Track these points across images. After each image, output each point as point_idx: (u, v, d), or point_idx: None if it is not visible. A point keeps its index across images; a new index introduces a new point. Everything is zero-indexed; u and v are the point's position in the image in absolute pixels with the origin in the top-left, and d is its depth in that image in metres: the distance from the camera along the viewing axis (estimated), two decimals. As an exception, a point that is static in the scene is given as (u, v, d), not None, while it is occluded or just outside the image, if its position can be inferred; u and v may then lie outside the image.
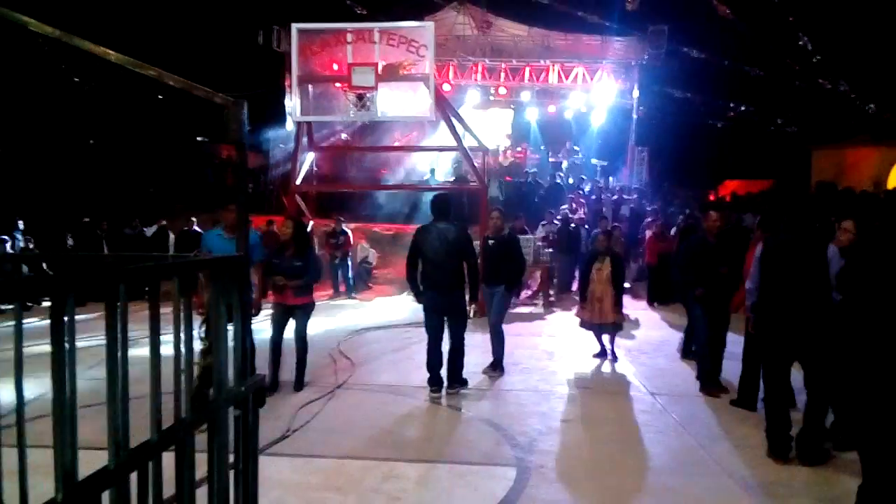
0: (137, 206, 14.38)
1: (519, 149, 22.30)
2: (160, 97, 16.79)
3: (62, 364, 1.54)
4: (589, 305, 7.37)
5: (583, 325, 7.63)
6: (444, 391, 6.11)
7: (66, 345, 1.58)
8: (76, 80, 17.21)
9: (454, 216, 6.33)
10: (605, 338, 7.56)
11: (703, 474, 4.38)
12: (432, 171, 18.56)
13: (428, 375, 6.13)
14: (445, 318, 6.15)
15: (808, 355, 4.55)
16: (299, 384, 6.20)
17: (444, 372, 6.18)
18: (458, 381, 6.22)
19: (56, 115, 17.66)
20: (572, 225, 12.97)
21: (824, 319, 4.38)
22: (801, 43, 16.99)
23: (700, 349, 6.45)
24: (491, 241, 6.90)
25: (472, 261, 6.23)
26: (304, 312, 6.20)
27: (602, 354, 7.57)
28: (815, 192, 15.98)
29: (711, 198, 19.05)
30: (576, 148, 21.84)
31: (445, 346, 6.20)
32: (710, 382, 6.21)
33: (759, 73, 18.43)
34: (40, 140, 17.26)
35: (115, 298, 1.80)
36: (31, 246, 12.13)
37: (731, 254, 6.28)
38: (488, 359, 6.93)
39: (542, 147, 22.51)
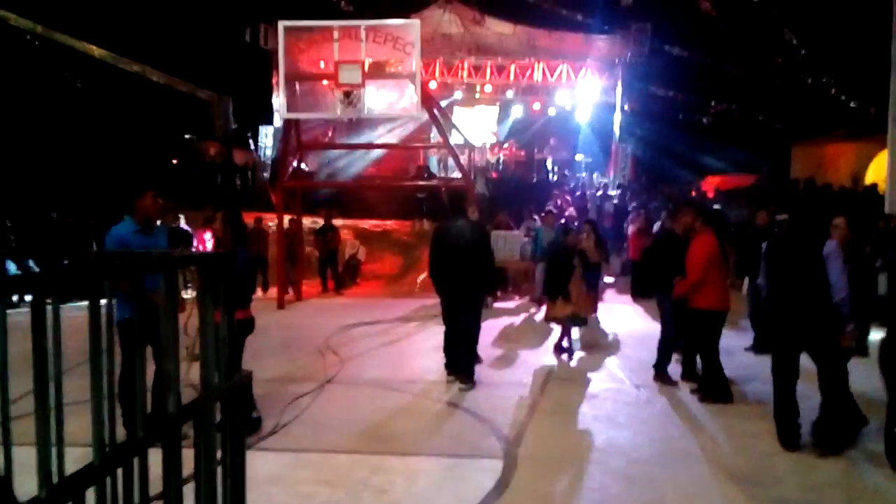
0: (124, 204, 14.25)
1: (505, 146, 22.38)
2: (146, 94, 16.65)
3: (44, 360, 1.55)
4: (577, 300, 7.34)
5: (560, 321, 7.48)
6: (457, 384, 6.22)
7: (50, 341, 1.58)
8: (67, 75, 17.03)
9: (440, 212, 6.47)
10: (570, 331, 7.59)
11: (687, 464, 4.44)
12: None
13: (444, 361, 6.44)
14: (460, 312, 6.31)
15: (817, 348, 4.57)
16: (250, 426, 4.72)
17: None
18: (468, 376, 6.28)
19: (43, 112, 17.47)
20: (560, 222, 12.99)
21: (827, 313, 4.44)
22: (787, 38, 17.13)
23: (664, 340, 6.54)
24: None
25: (489, 259, 6.39)
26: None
27: (569, 349, 7.52)
28: (805, 191, 16.09)
29: (692, 194, 19.18)
30: (556, 144, 21.99)
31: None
32: (664, 372, 6.42)
33: (740, 71, 18.58)
34: (27, 137, 17.08)
35: (100, 294, 1.80)
36: (13, 245, 12.01)
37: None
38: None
39: (528, 144, 22.62)
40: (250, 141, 19.13)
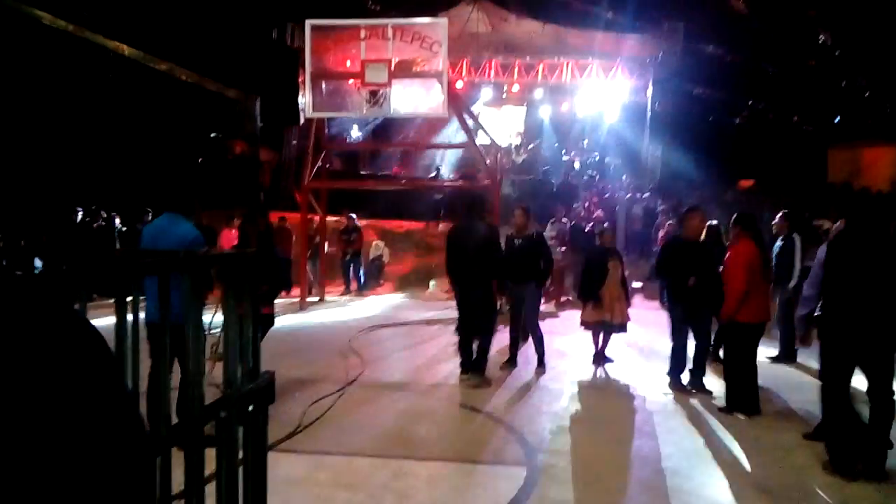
0: (149, 202, 14.43)
1: (531, 146, 22.24)
2: (173, 92, 16.85)
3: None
4: (608, 306, 7.08)
5: (591, 327, 7.27)
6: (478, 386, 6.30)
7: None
8: (97, 73, 17.26)
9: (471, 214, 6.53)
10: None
11: (714, 476, 4.33)
12: (438, 168, 18.63)
13: (460, 361, 6.47)
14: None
15: (875, 363, 4.30)
16: None
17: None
18: (478, 372, 6.37)
19: (70, 110, 17.77)
20: (590, 225, 12.88)
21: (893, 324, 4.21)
22: (820, 39, 16.76)
23: (676, 347, 6.38)
24: (518, 241, 6.88)
25: (497, 259, 6.42)
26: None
27: (603, 358, 7.33)
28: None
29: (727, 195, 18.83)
30: (586, 144, 21.79)
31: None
32: (678, 381, 6.29)
33: (775, 71, 18.23)
34: (54, 135, 17.39)
35: (127, 292, 1.79)
36: (44, 240, 12.25)
37: (711, 255, 6.25)
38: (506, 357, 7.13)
39: (556, 145, 22.43)
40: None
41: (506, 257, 6.85)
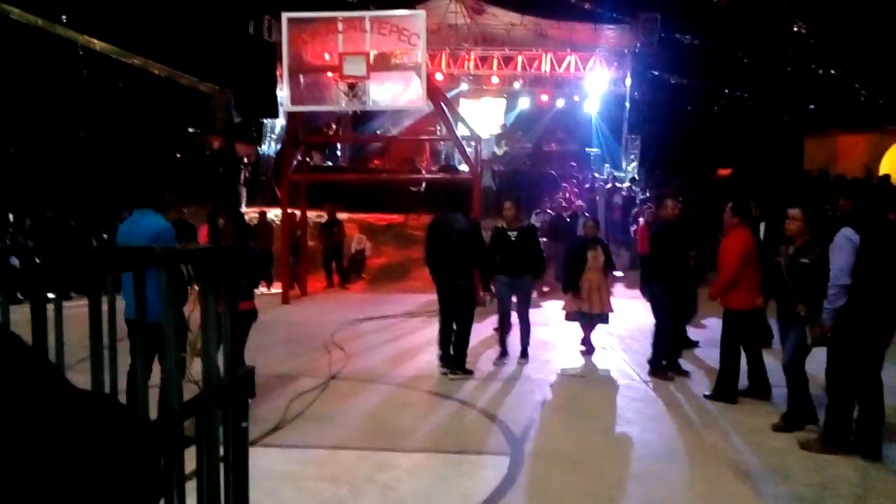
0: (127, 198, 14.25)
1: (513, 138, 22.27)
2: (149, 87, 16.63)
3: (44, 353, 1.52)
4: (586, 296, 7.12)
5: (573, 317, 7.33)
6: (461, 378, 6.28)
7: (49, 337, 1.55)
8: (70, 69, 16.95)
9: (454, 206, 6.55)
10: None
11: (695, 461, 4.39)
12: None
13: (439, 353, 6.52)
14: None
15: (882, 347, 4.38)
16: None
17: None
18: (460, 368, 6.35)
19: (47, 107, 17.48)
20: (569, 214, 12.95)
21: None
22: (794, 28, 16.96)
23: (657, 334, 6.42)
24: (512, 233, 6.82)
25: (480, 251, 6.41)
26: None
27: (587, 347, 7.40)
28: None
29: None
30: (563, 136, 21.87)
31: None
32: (659, 367, 6.35)
33: (751, 60, 18.42)
34: (30, 132, 17.11)
35: (102, 289, 1.77)
36: (20, 239, 12.05)
37: (695, 238, 6.48)
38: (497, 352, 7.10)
39: (536, 136, 22.47)
40: (253, 133, 19.12)
41: (501, 250, 6.80)
